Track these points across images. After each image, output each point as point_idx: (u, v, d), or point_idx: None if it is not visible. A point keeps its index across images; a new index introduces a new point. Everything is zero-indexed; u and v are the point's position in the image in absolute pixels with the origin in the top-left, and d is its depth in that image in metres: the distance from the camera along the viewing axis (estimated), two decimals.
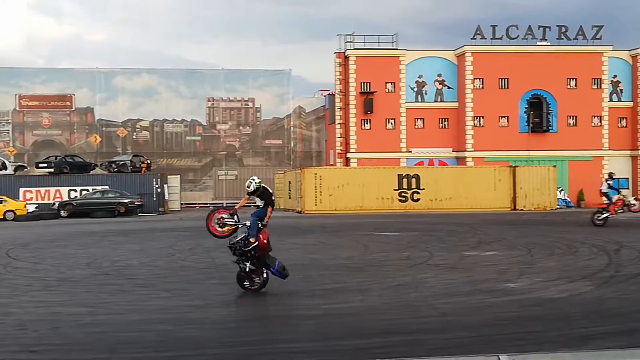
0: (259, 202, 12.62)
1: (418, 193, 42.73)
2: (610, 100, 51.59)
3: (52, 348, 8.75)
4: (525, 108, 50.31)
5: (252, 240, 12.11)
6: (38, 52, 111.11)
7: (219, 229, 12.67)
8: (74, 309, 11.29)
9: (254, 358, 7.93)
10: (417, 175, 43.15)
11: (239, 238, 12.31)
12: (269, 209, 12.54)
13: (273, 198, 12.87)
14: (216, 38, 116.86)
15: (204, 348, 8.64)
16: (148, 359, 7.99)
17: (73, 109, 55.02)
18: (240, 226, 12.56)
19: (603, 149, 50.92)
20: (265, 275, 12.39)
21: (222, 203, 50.78)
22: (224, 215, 12.74)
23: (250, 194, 12.62)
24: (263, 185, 12.73)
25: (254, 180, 12.58)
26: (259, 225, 12.31)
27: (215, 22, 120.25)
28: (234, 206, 13.30)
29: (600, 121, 50.92)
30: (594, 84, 50.76)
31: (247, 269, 12.26)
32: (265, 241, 12.20)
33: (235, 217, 12.84)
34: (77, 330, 9.75)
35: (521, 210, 42.59)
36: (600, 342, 8.63)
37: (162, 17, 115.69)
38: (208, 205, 51.73)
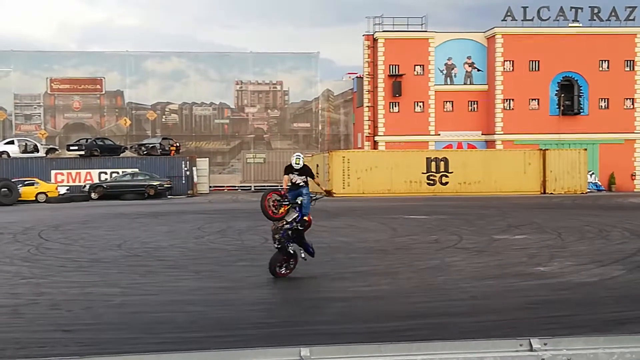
0: (298, 179, 12.23)
1: (446, 176, 42.53)
2: None
3: (85, 328, 8.87)
4: (556, 90, 49.71)
5: (308, 218, 12.06)
6: (71, 36, 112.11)
7: (275, 211, 12.00)
8: (106, 290, 11.43)
9: (285, 339, 7.98)
10: (445, 158, 42.94)
11: (292, 218, 11.96)
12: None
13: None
14: (247, 22, 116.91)
15: (235, 329, 8.71)
16: (180, 339, 8.08)
17: (103, 92, 55.55)
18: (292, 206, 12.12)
19: (635, 131, 50.15)
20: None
21: (250, 186, 51.03)
22: (277, 197, 12.15)
23: (296, 170, 12.19)
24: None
25: (300, 156, 12.38)
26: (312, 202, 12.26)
27: (246, 6, 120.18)
28: (279, 189, 12.76)
29: (633, 104, 50.13)
30: (627, 66, 49.95)
31: (289, 253, 12.01)
32: (311, 217, 12.28)
33: (285, 197, 12.27)
34: (109, 310, 9.87)
35: (551, 194, 42.19)
36: (632, 326, 8.55)
37: (194, 2, 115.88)
38: (236, 188, 51.97)
